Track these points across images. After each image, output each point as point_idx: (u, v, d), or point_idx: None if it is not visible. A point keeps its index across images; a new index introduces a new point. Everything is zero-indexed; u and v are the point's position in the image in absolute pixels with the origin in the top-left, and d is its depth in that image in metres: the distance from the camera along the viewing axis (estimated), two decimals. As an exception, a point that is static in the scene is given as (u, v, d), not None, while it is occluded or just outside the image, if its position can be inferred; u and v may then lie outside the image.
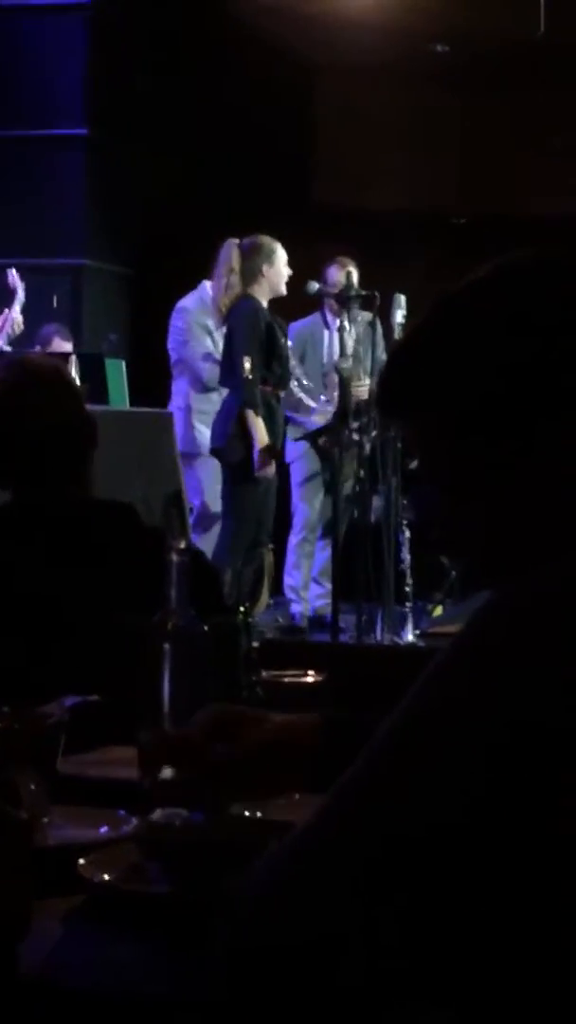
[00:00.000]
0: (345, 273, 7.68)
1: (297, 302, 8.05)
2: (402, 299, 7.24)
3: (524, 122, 11.23)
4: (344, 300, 7.22)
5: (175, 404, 7.93)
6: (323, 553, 8.25)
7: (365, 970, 1.14)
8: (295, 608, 8.24)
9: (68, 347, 8.47)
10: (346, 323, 7.32)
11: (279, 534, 7.93)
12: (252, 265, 7.18)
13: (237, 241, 7.27)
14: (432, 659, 1.20)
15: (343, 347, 7.26)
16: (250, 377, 7.01)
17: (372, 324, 7.40)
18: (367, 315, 7.45)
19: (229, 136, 10.45)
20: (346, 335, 7.30)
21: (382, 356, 7.39)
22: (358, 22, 9.87)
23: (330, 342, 8.17)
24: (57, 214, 10.16)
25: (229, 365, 7.18)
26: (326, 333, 8.20)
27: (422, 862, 1.14)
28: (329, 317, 8.21)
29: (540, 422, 1.29)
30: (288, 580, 8.33)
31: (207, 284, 7.62)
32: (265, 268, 7.18)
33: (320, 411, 7.82)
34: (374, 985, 1.15)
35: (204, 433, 7.59)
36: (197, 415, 7.81)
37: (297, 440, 7.89)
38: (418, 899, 1.14)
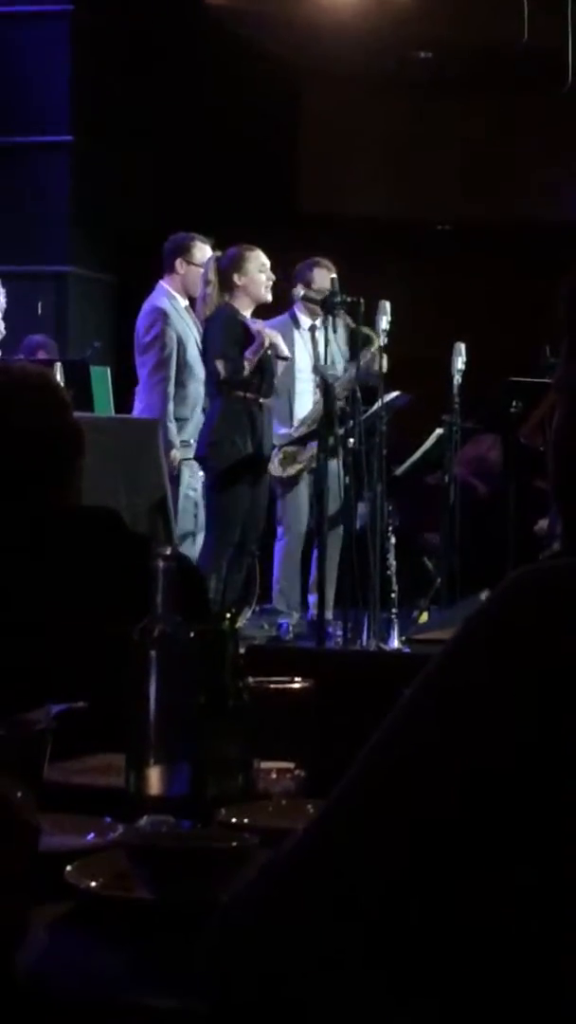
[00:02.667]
0: (329, 278, 7.68)
1: (284, 309, 8.04)
2: (387, 305, 7.23)
3: (509, 128, 11.26)
4: (330, 306, 7.21)
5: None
6: (315, 562, 8.21)
7: (352, 990, 1.13)
8: (283, 620, 8.19)
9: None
10: (330, 330, 7.34)
11: (265, 541, 7.91)
12: (226, 275, 7.23)
13: (218, 254, 7.33)
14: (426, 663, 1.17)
15: (327, 352, 7.29)
16: (223, 376, 7.06)
17: (352, 330, 7.43)
18: (343, 321, 7.49)
19: (214, 143, 10.46)
20: (331, 340, 7.33)
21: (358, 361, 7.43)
22: (343, 29, 9.89)
23: (303, 344, 8.10)
24: (41, 221, 10.15)
25: (207, 373, 7.23)
26: (297, 334, 8.11)
27: (407, 887, 1.12)
28: (301, 318, 8.11)
29: None
30: (276, 588, 8.30)
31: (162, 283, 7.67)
32: (236, 277, 7.21)
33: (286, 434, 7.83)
34: (362, 1004, 1.14)
35: None
36: None
37: (283, 446, 7.87)
38: (399, 922, 1.13)
